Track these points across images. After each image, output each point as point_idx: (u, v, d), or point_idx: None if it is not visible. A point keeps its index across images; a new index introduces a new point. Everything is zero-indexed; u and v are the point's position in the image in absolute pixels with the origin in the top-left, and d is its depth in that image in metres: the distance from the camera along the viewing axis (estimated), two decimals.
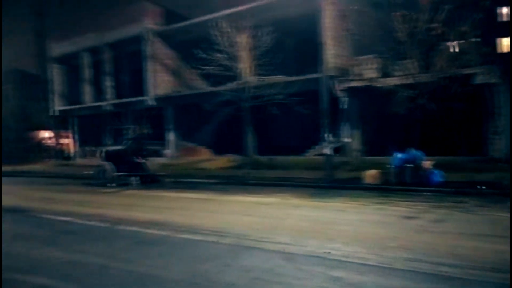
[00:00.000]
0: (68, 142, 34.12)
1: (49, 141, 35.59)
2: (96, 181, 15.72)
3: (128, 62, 26.94)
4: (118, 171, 15.45)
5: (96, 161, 17.19)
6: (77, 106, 28.91)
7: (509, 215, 7.42)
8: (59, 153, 32.44)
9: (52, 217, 9.17)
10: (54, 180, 18.84)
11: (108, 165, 15.46)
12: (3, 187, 16.73)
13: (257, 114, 17.70)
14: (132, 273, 5.09)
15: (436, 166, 11.69)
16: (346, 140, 17.91)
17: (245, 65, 16.69)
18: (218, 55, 16.47)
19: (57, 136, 34.03)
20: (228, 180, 14.99)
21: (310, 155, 18.97)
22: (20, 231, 7.85)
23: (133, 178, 15.21)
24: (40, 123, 33.74)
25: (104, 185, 14.95)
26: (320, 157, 14.98)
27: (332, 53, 17.46)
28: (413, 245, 5.86)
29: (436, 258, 5.18)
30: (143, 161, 15.86)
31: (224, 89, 17.10)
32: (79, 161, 28.77)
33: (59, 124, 32.58)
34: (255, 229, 7.12)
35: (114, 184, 14.99)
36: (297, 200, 10.36)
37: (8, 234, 7.62)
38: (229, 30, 16.66)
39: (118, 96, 26.69)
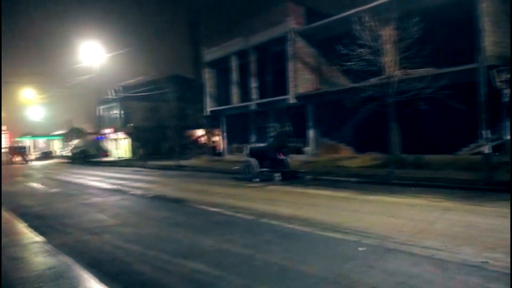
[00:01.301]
0: (218, 139, 37.05)
1: (202, 139, 39.16)
2: (242, 176, 16.71)
3: (271, 63, 28.03)
4: (261, 167, 16.19)
5: (242, 157, 18.27)
6: (225, 107, 31.15)
7: None
8: (210, 149, 35.47)
9: (205, 207, 10.04)
10: (206, 174, 20.60)
11: (253, 161, 16.30)
12: (165, 179, 18.96)
13: (402, 110, 16.71)
14: (276, 265, 5.27)
15: None
16: (507, 137, 15.79)
17: (389, 59, 15.85)
18: (361, 50, 16.00)
19: (209, 134, 37.27)
20: (370, 179, 14.48)
21: (464, 154, 17.21)
22: (178, 219, 8.77)
23: (276, 174, 15.76)
24: (195, 122, 37.33)
25: (249, 180, 15.81)
26: (476, 157, 13.44)
27: (491, 40, 15.54)
28: None
29: None
30: (285, 157, 16.30)
31: (367, 84, 16.51)
32: (227, 157, 30.95)
33: (210, 123, 35.62)
34: (399, 231, 6.74)
35: (258, 179, 15.75)
36: (448, 202, 9.48)
37: (169, 221, 8.60)
38: (372, 23, 16.05)
39: (262, 95, 27.94)
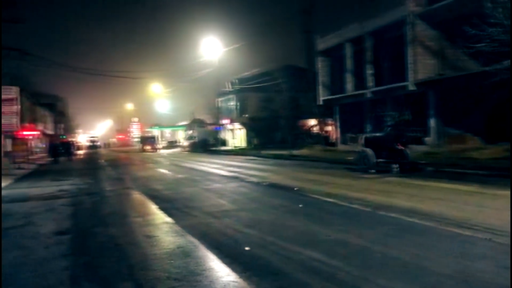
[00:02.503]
0: (331, 129, 36.64)
1: (314, 129, 39.11)
2: (357, 166, 16.33)
3: (388, 48, 26.76)
4: (378, 158, 15.62)
5: (357, 147, 17.81)
6: (339, 95, 30.59)
7: None
8: (323, 139, 35.25)
9: (318, 197, 10.06)
10: (319, 164, 20.56)
11: (369, 152, 15.81)
12: (278, 168, 19.39)
13: None
14: (396, 259, 5.08)
15: None
16: None
17: None
18: (492, 29, 14.40)
19: (322, 124, 37.05)
20: (502, 172, 13.05)
21: None
22: (293, 208, 8.93)
23: (394, 165, 15.09)
24: (308, 112, 37.38)
25: (364, 171, 15.39)
26: None
27: None
28: None
29: None
30: (403, 148, 15.49)
31: (500, 67, 14.84)
32: (341, 147, 30.48)
33: (323, 112, 35.36)
34: None
35: (373, 171, 15.25)
36: None
37: (284, 209, 8.80)
38: None
39: (378, 83, 26.84)
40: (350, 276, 4.57)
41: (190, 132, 58.43)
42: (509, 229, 6.06)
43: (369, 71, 27.29)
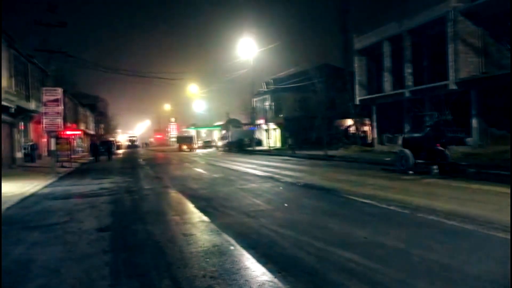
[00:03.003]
0: (368, 129, 36.03)
1: (351, 129, 38.58)
2: (395, 167, 15.98)
3: (428, 46, 26.07)
4: (417, 159, 15.24)
5: (395, 148, 17.43)
6: (377, 95, 30.04)
7: None
8: (359, 139, 34.71)
9: (355, 198, 9.92)
10: (355, 165, 20.25)
11: (408, 152, 15.45)
12: (313, 168, 19.26)
13: None
14: (434, 262, 4.94)
15: None
16: None
17: None
18: None
19: (358, 124, 36.50)
20: None
21: None
22: (329, 208, 8.86)
23: (433, 167, 14.67)
24: (344, 112, 36.91)
25: (403, 172, 15.05)
26: None
27: None
28: None
29: None
30: (443, 149, 15.03)
31: None
32: (378, 147, 29.92)
33: (360, 112, 34.81)
34: None
35: (412, 172, 14.89)
36: None
37: (320, 210, 8.74)
38: None
39: (417, 82, 26.18)
40: (387, 278, 4.48)
41: (224, 132, 58.99)
42: None
43: (407, 70, 26.66)
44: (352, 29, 34.47)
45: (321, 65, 39.50)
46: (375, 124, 31.70)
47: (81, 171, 22.95)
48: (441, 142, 15.05)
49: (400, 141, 16.67)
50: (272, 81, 51.31)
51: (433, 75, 24.92)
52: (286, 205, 9.44)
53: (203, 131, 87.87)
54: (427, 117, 18.86)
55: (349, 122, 39.93)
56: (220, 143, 56.25)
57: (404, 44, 26.64)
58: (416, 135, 16.95)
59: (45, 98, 20.98)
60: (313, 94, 36.58)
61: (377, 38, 29.32)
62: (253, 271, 4.88)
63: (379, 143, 30.56)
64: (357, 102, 32.74)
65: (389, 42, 28.40)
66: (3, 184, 14.98)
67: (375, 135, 31.64)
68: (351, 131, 38.47)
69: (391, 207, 8.51)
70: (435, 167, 14.67)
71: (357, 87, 32.54)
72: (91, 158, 35.88)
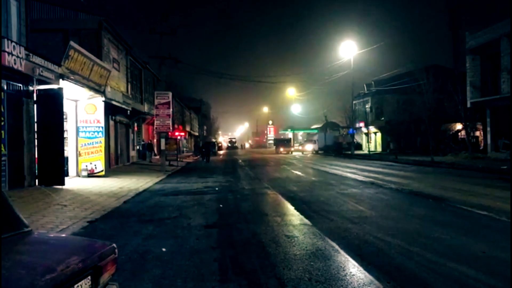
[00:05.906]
0: (480, 134, 33.07)
1: (461, 133, 35.73)
2: None
3: None
4: None
5: None
6: (492, 97, 27.40)
7: None
8: (470, 145, 31.98)
9: (468, 208, 9.17)
10: (466, 173, 18.71)
11: None
12: (418, 175, 18.19)
13: None
14: None
15: None
16: None
17: None
18: None
19: (469, 128, 33.64)
20: None
21: None
22: (439, 218, 8.27)
23: None
24: (453, 115, 34.30)
25: None
26: None
27: None
28: None
29: None
30: None
31: None
32: (492, 154, 27.30)
33: (471, 116, 32.09)
34: None
35: None
36: None
37: (429, 219, 8.20)
38: None
39: None
40: None
41: (316, 136, 58.44)
42: None
43: None
44: (464, 26, 31.93)
45: (429, 66, 37.20)
46: (489, 129, 28.94)
47: (187, 170, 24.38)
48: None
49: None
50: (373, 82, 49.63)
51: None
52: (391, 212, 9.03)
53: (300, 134, 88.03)
54: None
55: (458, 126, 37.04)
56: (314, 147, 55.31)
57: None
58: None
59: (157, 101, 22.73)
60: (418, 96, 34.60)
61: (494, 35, 26.71)
62: (361, 278, 4.73)
63: (493, 150, 27.83)
64: (469, 105, 30.19)
65: (508, 39, 25.73)
66: (121, 179, 16.52)
67: (489, 141, 28.88)
68: (461, 136, 35.62)
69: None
70: None
71: (469, 88, 30.01)
72: (195, 157, 37.92)
